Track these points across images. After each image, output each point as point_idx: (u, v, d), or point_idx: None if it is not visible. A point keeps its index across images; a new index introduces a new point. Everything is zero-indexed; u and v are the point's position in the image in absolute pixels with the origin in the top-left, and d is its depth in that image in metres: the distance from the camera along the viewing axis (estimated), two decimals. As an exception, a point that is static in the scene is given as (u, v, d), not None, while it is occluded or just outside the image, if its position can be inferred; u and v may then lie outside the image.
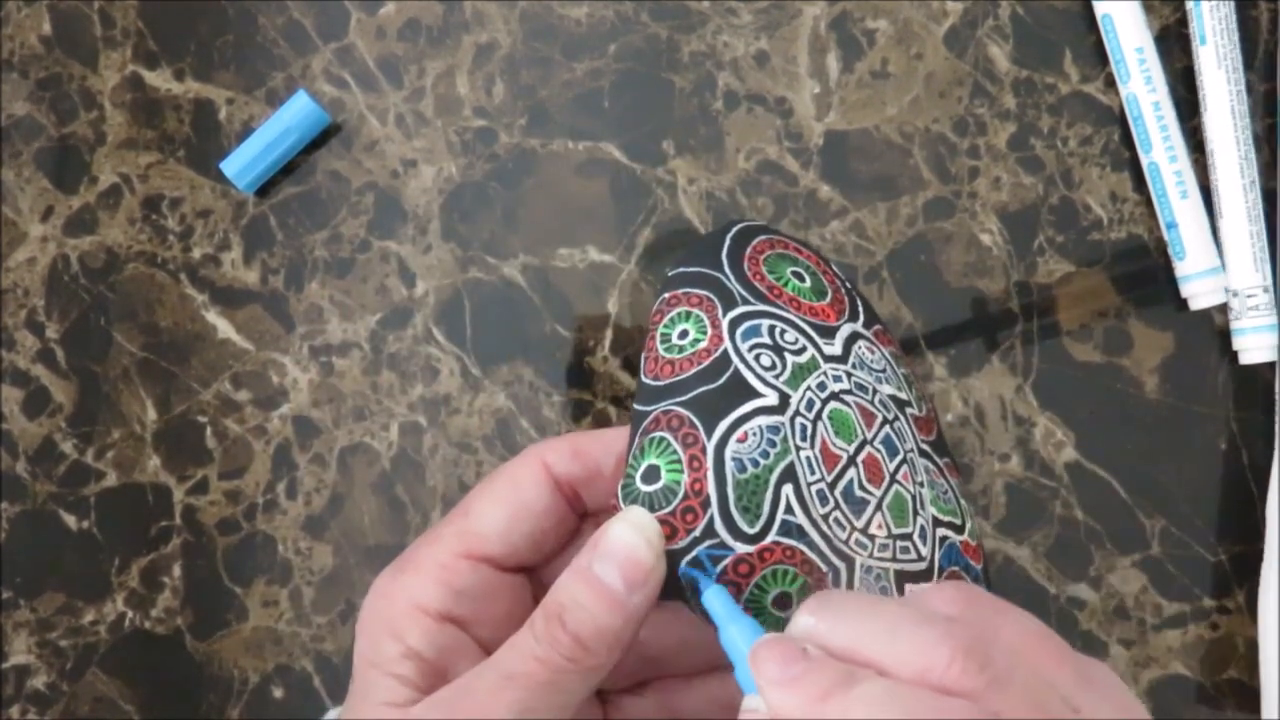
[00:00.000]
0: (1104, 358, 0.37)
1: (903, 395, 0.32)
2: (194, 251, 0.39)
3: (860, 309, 0.33)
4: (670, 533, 0.27)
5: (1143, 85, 0.36)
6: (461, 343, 0.38)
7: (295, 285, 0.38)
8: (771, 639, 0.25)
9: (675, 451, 0.27)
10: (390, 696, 0.28)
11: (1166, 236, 0.36)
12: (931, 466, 0.31)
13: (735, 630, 0.26)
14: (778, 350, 0.29)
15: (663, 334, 0.30)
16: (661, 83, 0.38)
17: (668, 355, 0.29)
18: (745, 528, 0.27)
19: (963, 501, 0.32)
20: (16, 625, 0.38)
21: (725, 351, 0.29)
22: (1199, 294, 0.36)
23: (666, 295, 0.31)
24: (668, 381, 0.29)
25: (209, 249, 0.39)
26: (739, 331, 0.29)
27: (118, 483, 0.38)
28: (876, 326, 0.33)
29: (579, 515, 0.31)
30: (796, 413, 0.28)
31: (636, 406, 0.29)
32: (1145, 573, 0.36)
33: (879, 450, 0.30)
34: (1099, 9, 0.36)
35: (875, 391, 0.31)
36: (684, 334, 0.29)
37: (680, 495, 0.27)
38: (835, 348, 0.31)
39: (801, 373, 0.29)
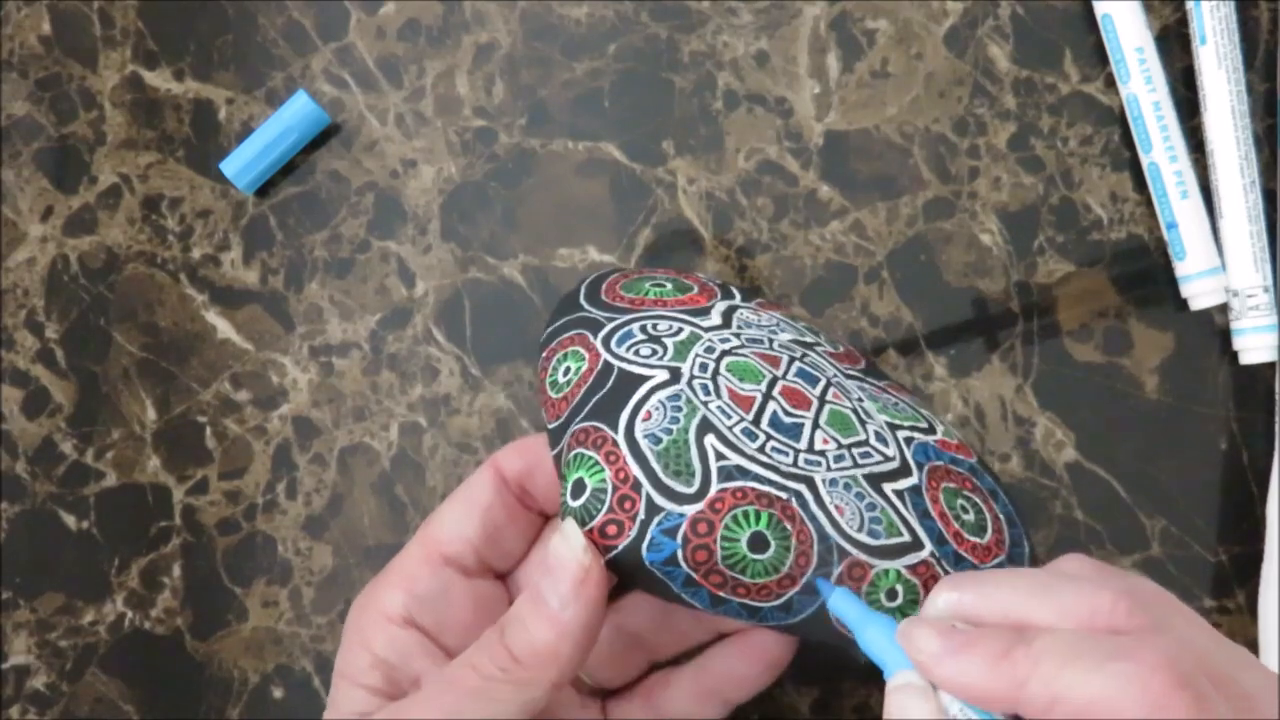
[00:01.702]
0: (1104, 358, 0.37)
1: (807, 339, 0.32)
2: (194, 251, 0.39)
3: (735, 293, 0.33)
4: (617, 529, 0.27)
5: (1143, 85, 0.36)
6: (461, 343, 0.38)
7: (295, 285, 0.38)
8: (919, 619, 0.25)
9: (591, 457, 0.27)
10: (358, 706, 0.28)
11: (1166, 236, 0.36)
12: (868, 386, 0.31)
13: (874, 628, 0.25)
14: (654, 339, 0.29)
15: (550, 382, 0.30)
16: (661, 83, 0.38)
17: (557, 395, 0.29)
18: (683, 489, 0.27)
19: (924, 410, 0.31)
20: (16, 625, 0.38)
21: (604, 362, 0.29)
22: (1199, 294, 0.36)
23: (543, 354, 0.31)
24: (566, 414, 0.29)
25: (209, 249, 0.39)
26: (612, 341, 0.30)
27: (118, 483, 0.38)
28: (758, 300, 0.33)
29: (539, 515, 0.32)
30: (691, 377, 0.28)
31: (551, 452, 0.29)
32: (1145, 573, 0.36)
33: (795, 382, 0.29)
34: (1099, 9, 0.36)
35: (771, 341, 0.30)
36: (566, 371, 0.30)
37: (610, 491, 0.27)
38: (714, 319, 0.31)
39: (684, 347, 0.29)
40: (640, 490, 0.27)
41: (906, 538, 0.28)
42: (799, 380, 0.29)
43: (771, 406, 0.28)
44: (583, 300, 0.32)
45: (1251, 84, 0.36)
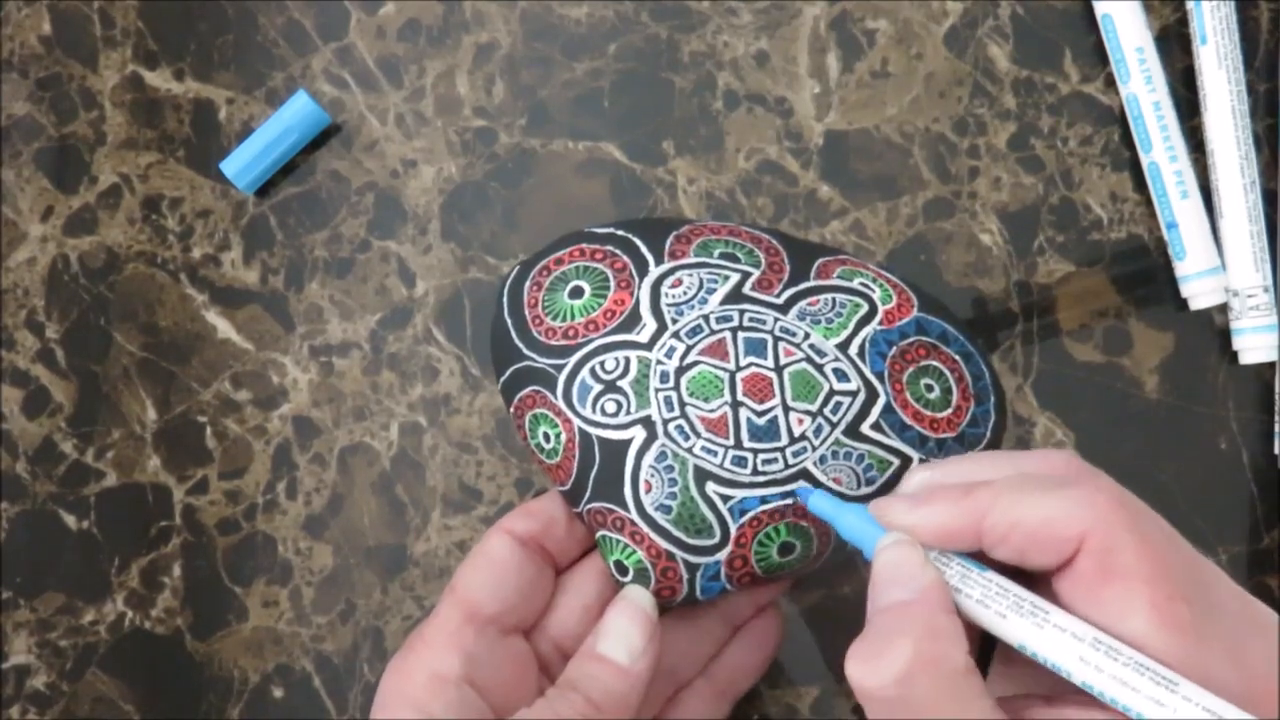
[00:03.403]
0: (1104, 358, 0.37)
1: (733, 279, 0.32)
2: (194, 251, 0.39)
3: (646, 253, 0.33)
4: (671, 591, 0.30)
5: (1143, 85, 0.36)
6: (461, 343, 0.38)
7: (295, 285, 0.38)
8: (890, 495, 0.28)
9: (619, 540, 0.30)
10: None
11: (1166, 236, 0.36)
12: (802, 304, 0.32)
13: (851, 515, 0.28)
14: (610, 387, 0.31)
15: (536, 446, 0.32)
16: (661, 83, 0.38)
17: (551, 461, 0.31)
18: (709, 541, 0.30)
19: (852, 283, 0.32)
20: (16, 625, 0.38)
21: (580, 431, 0.31)
22: (1199, 294, 0.36)
23: (511, 408, 0.32)
24: (570, 484, 0.31)
25: (209, 249, 0.39)
26: (574, 400, 0.31)
27: (118, 483, 0.38)
28: (671, 239, 0.33)
29: (554, 570, 0.32)
30: (665, 423, 0.30)
31: (570, 509, 0.32)
32: (1145, 573, 0.36)
33: (750, 365, 0.31)
34: (1099, 9, 0.36)
35: (708, 321, 0.31)
36: (547, 437, 0.31)
37: (650, 567, 0.30)
38: (648, 324, 0.31)
39: (641, 387, 0.30)
40: (675, 558, 0.30)
41: (897, 462, 0.30)
42: (752, 359, 0.31)
43: (743, 415, 0.30)
44: (516, 340, 0.32)
45: (1251, 84, 0.36)
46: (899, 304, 0.32)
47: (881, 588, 0.25)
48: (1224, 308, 0.36)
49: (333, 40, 0.39)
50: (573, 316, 0.32)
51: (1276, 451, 0.36)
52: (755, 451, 0.30)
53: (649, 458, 0.30)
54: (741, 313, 0.31)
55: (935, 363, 0.31)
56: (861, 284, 0.32)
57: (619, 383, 0.31)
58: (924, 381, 0.31)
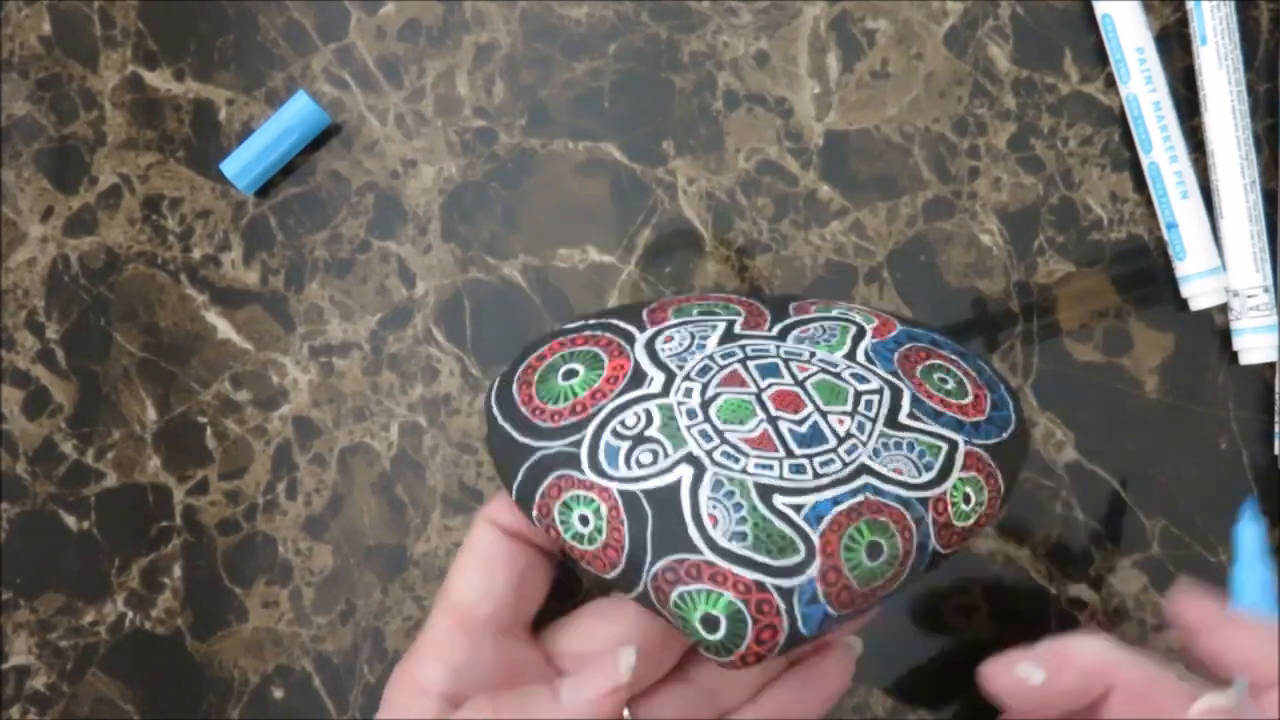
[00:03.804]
0: (1104, 358, 0.37)
1: (720, 325, 0.32)
2: (194, 252, 0.39)
3: (628, 326, 0.32)
4: (772, 631, 0.27)
5: (1143, 85, 0.36)
6: (461, 343, 0.38)
7: (295, 285, 0.38)
8: None
9: (702, 589, 0.27)
10: None
11: (1167, 236, 0.36)
12: (795, 332, 0.32)
13: (1252, 573, 0.30)
14: (639, 439, 0.29)
15: (574, 535, 0.29)
16: (661, 83, 0.38)
17: (594, 546, 0.29)
18: (795, 558, 0.27)
19: (833, 311, 0.33)
20: (16, 625, 0.38)
21: (624, 493, 0.28)
22: (1199, 294, 0.36)
23: (534, 509, 0.30)
24: (623, 562, 0.28)
25: (209, 249, 0.39)
26: (604, 466, 0.29)
27: (118, 483, 0.38)
28: (647, 311, 0.33)
29: (548, 556, 0.32)
30: (708, 453, 0.28)
31: (626, 597, 0.29)
32: (1145, 573, 0.36)
33: (771, 383, 0.30)
34: (1099, 9, 0.36)
35: (712, 359, 0.30)
36: (584, 520, 0.29)
37: (743, 606, 0.27)
38: (655, 377, 0.30)
39: (672, 429, 0.29)
40: (766, 587, 0.27)
41: (946, 446, 0.29)
42: (771, 379, 0.30)
43: (784, 426, 0.29)
44: (522, 438, 0.30)
45: (1251, 84, 0.36)
46: (882, 323, 0.32)
47: None
48: (1224, 308, 0.36)
49: (333, 40, 0.39)
50: (575, 394, 0.30)
51: (1276, 451, 0.36)
52: (809, 456, 0.28)
53: (704, 490, 0.28)
54: (743, 346, 0.31)
55: (939, 361, 0.32)
56: (840, 313, 0.33)
57: (647, 432, 0.29)
58: (936, 376, 0.31)
